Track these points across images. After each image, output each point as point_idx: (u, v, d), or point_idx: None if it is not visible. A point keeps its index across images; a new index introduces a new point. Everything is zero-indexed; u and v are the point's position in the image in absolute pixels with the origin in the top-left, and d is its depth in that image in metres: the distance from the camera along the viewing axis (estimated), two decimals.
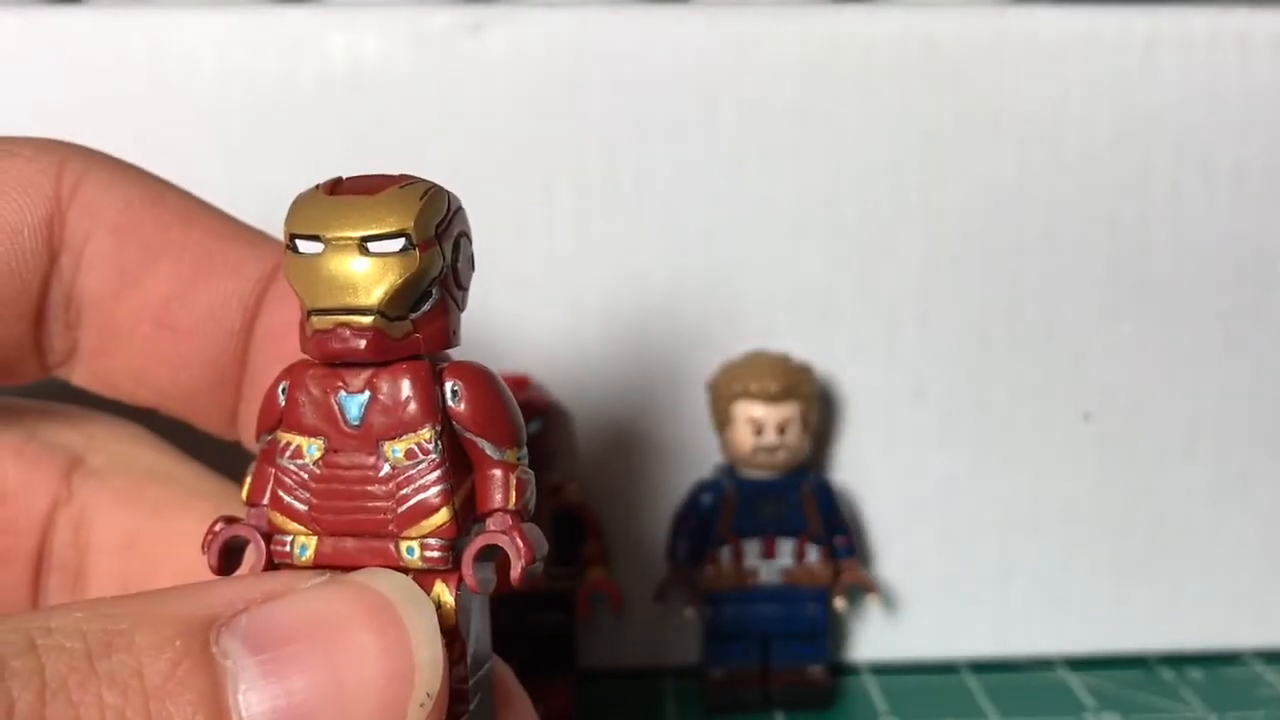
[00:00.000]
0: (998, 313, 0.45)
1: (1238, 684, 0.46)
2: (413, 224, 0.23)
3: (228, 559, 0.24)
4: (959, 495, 0.46)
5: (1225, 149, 0.45)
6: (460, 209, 0.25)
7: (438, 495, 0.23)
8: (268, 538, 0.24)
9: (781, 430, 0.43)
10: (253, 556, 0.24)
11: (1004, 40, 0.44)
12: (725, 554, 0.44)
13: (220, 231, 0.29)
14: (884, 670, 0.47)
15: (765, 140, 0.44)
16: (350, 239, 0.23)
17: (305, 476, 0.23)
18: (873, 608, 0.46)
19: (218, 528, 0.24)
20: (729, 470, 0.44)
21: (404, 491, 0.23)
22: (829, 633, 0.44)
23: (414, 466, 0.23)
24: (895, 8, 0.44)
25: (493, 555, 0.23)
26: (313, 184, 0.24)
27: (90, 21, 0.42)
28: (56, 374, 0.30)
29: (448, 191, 0.24)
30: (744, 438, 0.43)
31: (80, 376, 0.30)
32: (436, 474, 0.23)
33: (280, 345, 0.28)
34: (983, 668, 0.47)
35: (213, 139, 0.42)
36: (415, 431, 0.23)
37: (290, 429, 0.23)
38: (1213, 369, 0.46)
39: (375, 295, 0.23)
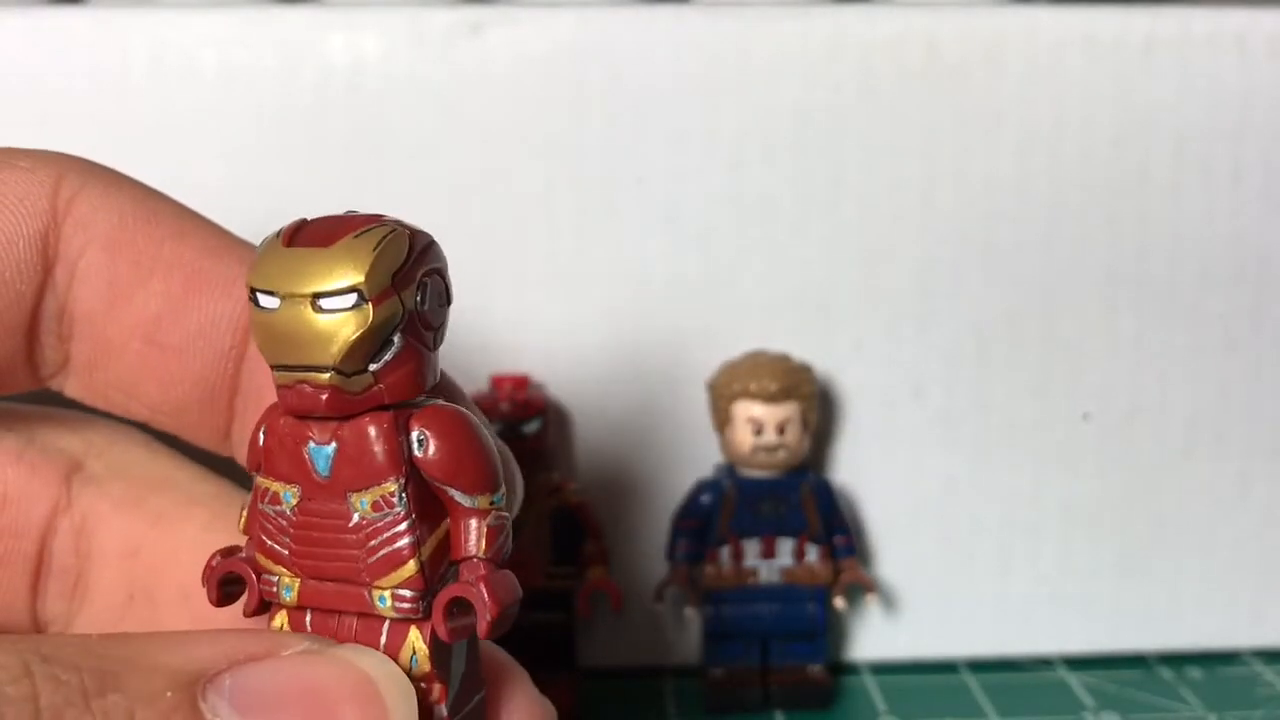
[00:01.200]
0: (997, 313, 0.45)
1: (1237, 683, 0.46)
2: (364, 278, 0.22)
3: (225, 588, 0.24)
4: (958, 495, 0.46)
5: (1224, 149, 0.45)
6: (428, 247, 0.24)
7: (405, 548, 0.23)
8: (259, 571, 0.24)
9: (781, 430, 0.43)
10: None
11: (1004, 40, 0.44)
12: (725, 553, 0.44)
13: (213, 248, 0.29)
14: (883, 669, 0.47)
15: (765, 140, 0.44)
16: (303, 295, 0.22)
17: (284, 522, 0.23)
18: (872, 607, 0.46)
19: (214, 562, 0.24)
20: (729, 470, 0.44)
21: (373, 543, 0.23)
22: (828, 632, 0.44)
23: (381, 518, 0.23)
24: (895, 8, 0.44)
25: (466, 604, 0.23)
26: (280, 226, 0.23)
27: (91, 21, 0.42)
28: (49, 385, 0.29)
29: (411, 232, 0.23)
30: (744, 437, 0.43)
31: (73, 389, 0.29)
32: (403, 526, 0.23)
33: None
34: (982, 667, 0.47)
35: (213, 139, 0.42)
36: (379, 484, 0.23)
37: (268, 475, 0.24)
38: (1212, 369, 0.46)
39: (330, 353, 0.22)
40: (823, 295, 0.45)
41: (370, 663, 0.22)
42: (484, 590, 0.23)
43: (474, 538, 0.23)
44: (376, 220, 0.23)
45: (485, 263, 0.44)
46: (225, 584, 0.24)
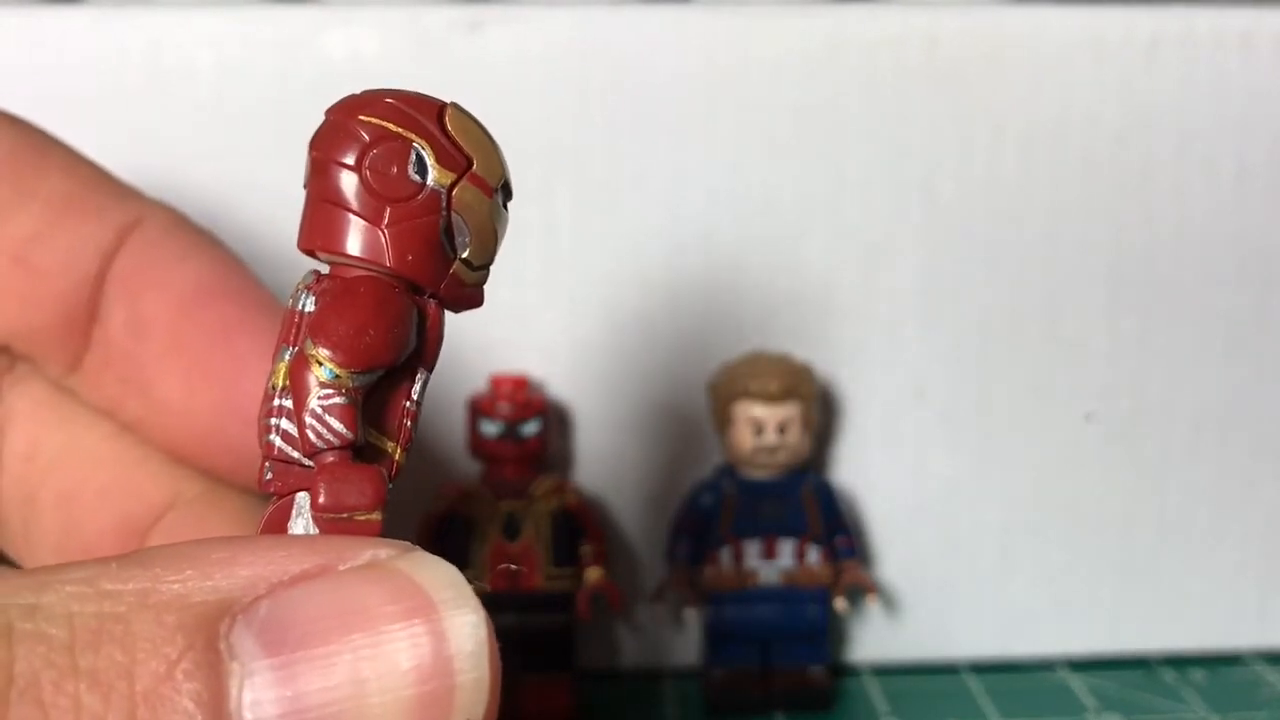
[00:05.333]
0: (999, 312, 0.45)
1: (1239, 685, 0.46)
2: None
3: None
4: (960, 496, 0.46)
5: (1228, 148, 0.45)
6: None
7: None
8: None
9: (782, 430, 0.42)
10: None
11: (1006, 39, 0.44)
12: (725, 554, 0.44)
13: (93, 182, 0.29)
14: (885, 671, 0.47)
15: (765, 140, 0.43)
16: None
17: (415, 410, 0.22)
18: (873, 608, 0.46)
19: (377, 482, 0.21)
20: (729, 470, 0.44)
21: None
22: (829, 634, 0.44)
23: None
24: (896, 7, 0.44)
25: None
26: (459, 106, 0.22)
27: (89, 21, 0.42)
28: None
29: None
30: (744, 438, 0.43)
31: None
32: None
33: (131, 288, 0.28)
34: (984, 669, 0.47)
35: (210, 138, 0.42)
36: None
37: (425, 365, 0.22)
38: (1215, 369, 0.46)
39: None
40: (823, 295, 0.44)
41: (430, 577, 0.19)
42: None
43: None
44: None
45: None
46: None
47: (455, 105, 0.22)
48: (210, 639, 0.18)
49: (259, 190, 0.41)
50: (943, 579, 0.46)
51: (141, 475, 0.29)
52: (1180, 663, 0.47)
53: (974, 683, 0.46)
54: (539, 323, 0.44)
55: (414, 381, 0.22)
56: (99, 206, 0.28)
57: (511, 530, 0.42)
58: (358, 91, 0.22)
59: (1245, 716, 0.43)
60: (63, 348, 0.28)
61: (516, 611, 0.42)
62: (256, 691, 0.18)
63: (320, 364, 0.20)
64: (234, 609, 0.18)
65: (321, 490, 0.20)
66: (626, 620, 0.45)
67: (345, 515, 0.20)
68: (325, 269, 0.22)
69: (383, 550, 0.19)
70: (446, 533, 0.42)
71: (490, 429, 0.42)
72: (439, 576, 0.19)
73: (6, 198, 0.28)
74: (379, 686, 0.18)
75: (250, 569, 0.18)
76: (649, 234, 0.44)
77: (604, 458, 0.45)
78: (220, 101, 0.42)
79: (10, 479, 0.29)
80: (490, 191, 0.22)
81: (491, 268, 0.22)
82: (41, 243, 0.28)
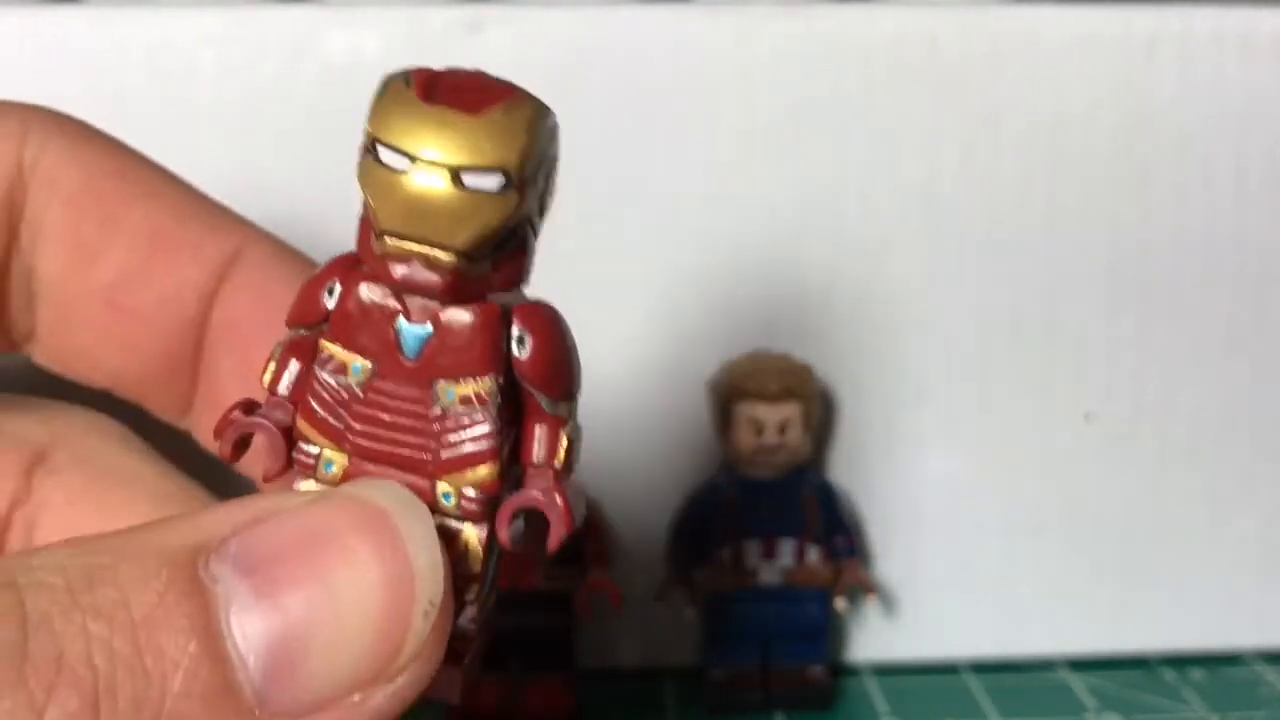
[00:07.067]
0: (999, 312, 0.45)
1: (1239, 685, 0.46)
2: (516, 161, 0.20)
3: (241, 449, 0.22)
4: (960, 495, 0.46)
5: (1227, 148, 0.45)
6: (556, 127, 0.22)
7: (488, 450, 0.21)
8: (288, 434, 0.22)
9: (782, 430, 0.42)
10: (262, 445, 0.22)
11: (1005, 39, 0.44)
12: (725, 554, 0.44)
13: (182, 210, 0.28)
14: (885, 671, 0.47)
15: (765, 140, 0.43)
16: (443, 165, 0.20)
17: (345, 395, 0.21)
18: (873, 608, 0.46)
19: (234, 415, 0.22)
20: (729, 470, 0.44)
21: (451, 437, 0.21)
22: (829, 633, 0.44)
23: (468, 414, 0.21)
24: (895, 7, 0.44)
25: (529, 513, 0.22)
26: (405, 71, 0.21)
27: (89, 20, 0.42)
28: (23, 351, 0.29)
29: (550, 111, 0.21)
30: (744, 438, 0.43)
31: (39, 355, 0.29)
32: (490, 427, 0.21)
33: (238, 336, 0.27)
34: (984, 668, 0.47)
35: (211, 138, 0.42)
36: (476, 379, 0.21)
37: (336, 340, 0.21)
38: (1215, 369, 0.46)
39: (461, 236, 0.20)
40: (823, 295, 0.44)
41: (377, 492, 0.21)
42: (561, 505, 0.22)
43: (551, 447, 0.22)
44: (516, 91, 0.21)
45: None
46: (239, 446, 0.22)
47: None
48: (191, 572, 0.20)
49: (259, 191, 0.41)
50: (942, 578, 0.46)
51: None
52: (1180, 662, 0.47)
53: (974, 682, 0.46)
54: None
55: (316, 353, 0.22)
56: (191, 242, 0.27)
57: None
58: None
59: (1245, 716, 0.43)
60: (169, 392, 0.28)
61: (516, 611, 0.42)
62: (241, 605, 0.20)
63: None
64: (207, 549, 0.20)
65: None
66: (626, 620, 0.45)
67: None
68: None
69: (324, 490, 0.22)
70: None
71: None
72: (380, 488, 0.21)
73: (89, 236, 0.27)
74: (348, 582, 0.20)
75: (216, 517, 0.21)
76: (648, 234, 0.44)
77: (604, 458, 0.45)
78: (220, 102, 0.42)
79: None
80: (366, 152, 0.21)
81: (409, 239, 0.21)
82: (130, 285, 0.27)
